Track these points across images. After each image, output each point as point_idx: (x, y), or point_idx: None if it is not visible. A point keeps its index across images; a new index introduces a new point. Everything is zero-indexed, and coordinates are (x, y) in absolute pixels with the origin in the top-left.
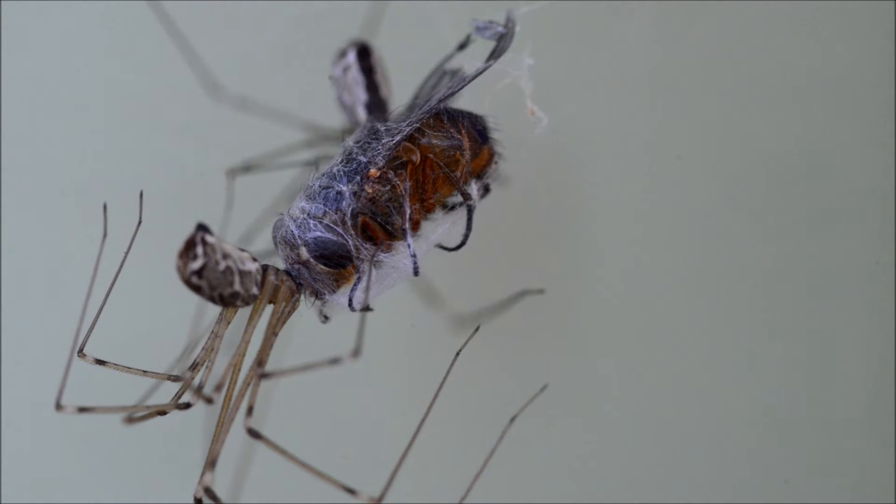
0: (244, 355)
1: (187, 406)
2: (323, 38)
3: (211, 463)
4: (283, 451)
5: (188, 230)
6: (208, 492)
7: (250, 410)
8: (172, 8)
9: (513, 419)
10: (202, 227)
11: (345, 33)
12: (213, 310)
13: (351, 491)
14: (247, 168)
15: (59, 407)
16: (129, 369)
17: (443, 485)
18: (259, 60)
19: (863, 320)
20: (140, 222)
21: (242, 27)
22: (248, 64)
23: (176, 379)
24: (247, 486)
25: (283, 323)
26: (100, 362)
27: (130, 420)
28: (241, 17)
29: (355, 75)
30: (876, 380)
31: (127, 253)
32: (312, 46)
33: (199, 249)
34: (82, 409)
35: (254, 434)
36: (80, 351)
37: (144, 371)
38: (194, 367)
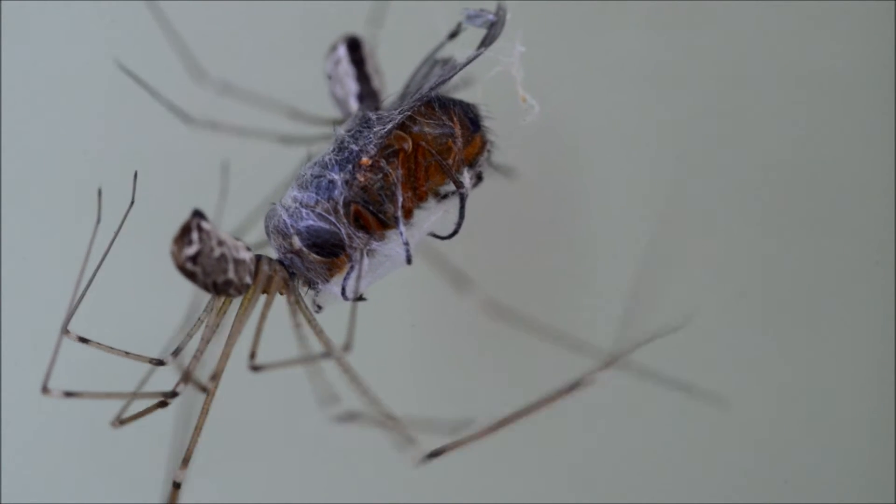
0: (234, 345)
1: (174, 395)
2: (322, 34)
3: (185, 460)
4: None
5: (183, 217)
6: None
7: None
8: (180, 8)
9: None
10: (198, 214)
11: (344, 27)
12: (205, 300)
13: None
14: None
15: (45, 390)
16: (111, 349)
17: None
18: (258, 56)
19: (863, 320)
20: (132, 202)
21: (244, 24)
22: (247, 60)
23: (159, 363)
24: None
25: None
26: (83, 340)
27: (121, 422)
28: (243, 14)
29: (346, 67)
30: (876, 380)
31: (118, 232)
32: (312, 42)
33: (195, 235)
34: (69, 394)
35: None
36: (66, 328)
37: (127, 352)
38: (177, 352)
